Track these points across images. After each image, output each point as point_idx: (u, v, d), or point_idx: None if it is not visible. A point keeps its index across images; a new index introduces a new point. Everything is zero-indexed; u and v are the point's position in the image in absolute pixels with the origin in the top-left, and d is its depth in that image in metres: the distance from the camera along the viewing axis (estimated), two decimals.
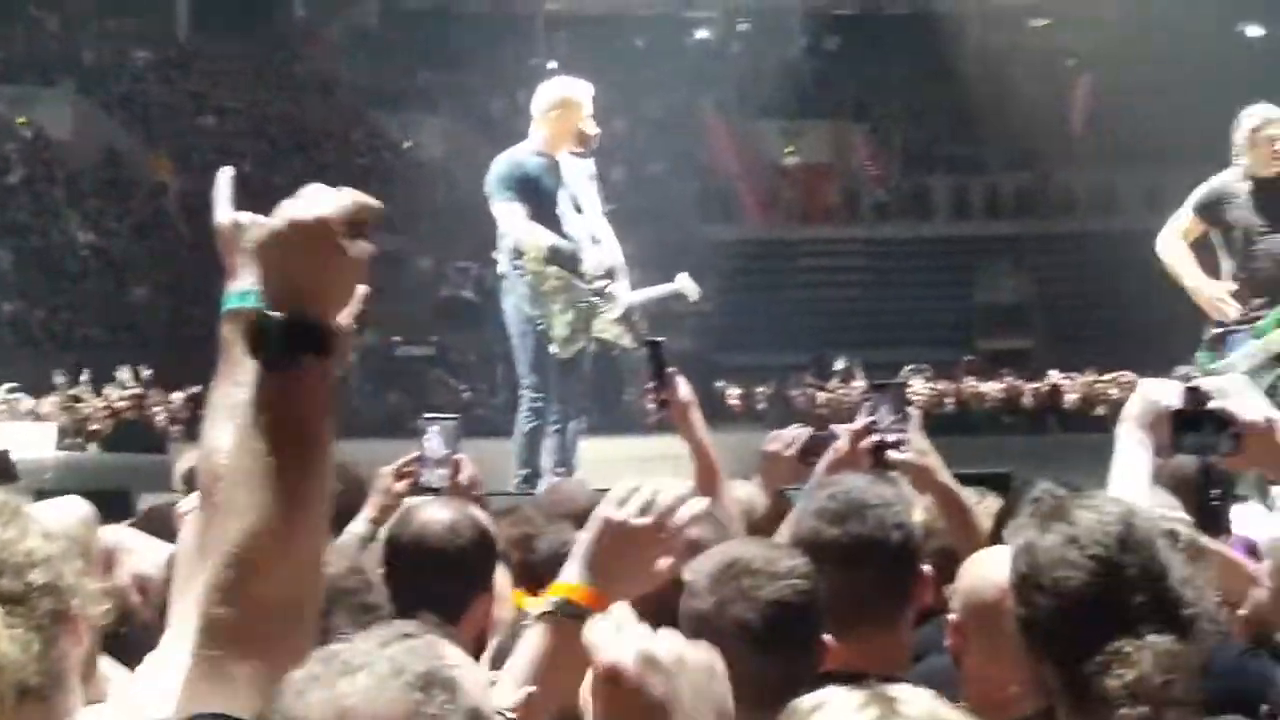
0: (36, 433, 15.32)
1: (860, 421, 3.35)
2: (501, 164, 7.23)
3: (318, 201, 1.60)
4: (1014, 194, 28.20)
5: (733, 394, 18.13)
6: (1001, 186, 28.37)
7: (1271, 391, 6.49)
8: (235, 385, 1.92)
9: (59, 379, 17.48)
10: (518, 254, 7.16)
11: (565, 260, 7.13)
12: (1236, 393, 2.62)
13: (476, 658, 2.46)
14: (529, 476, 7.10)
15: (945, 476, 3.31)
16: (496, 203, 7.18)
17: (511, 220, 7.12)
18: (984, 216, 28.13)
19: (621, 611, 1.63)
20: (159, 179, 23.11)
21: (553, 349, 7.17)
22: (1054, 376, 18.18)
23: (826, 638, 2.33)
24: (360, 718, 1.34)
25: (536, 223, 7.12)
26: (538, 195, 7.16)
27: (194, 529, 1.99)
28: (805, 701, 1.61)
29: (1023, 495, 3.17)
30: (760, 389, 18.69)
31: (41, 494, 2.68)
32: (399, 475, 3.60)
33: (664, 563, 2.04)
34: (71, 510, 2.79)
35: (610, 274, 7.34)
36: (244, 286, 2.03)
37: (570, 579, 2.03)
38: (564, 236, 7.16)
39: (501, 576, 3.16)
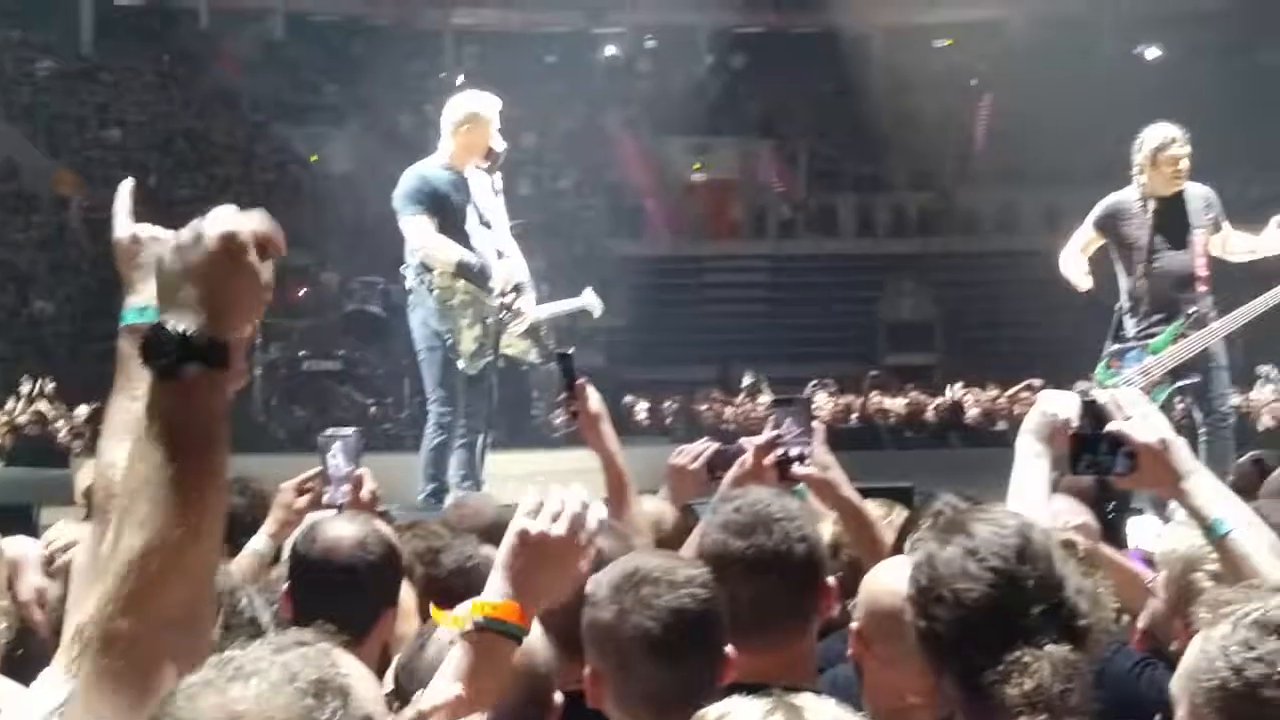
0: None
1: (765, 435, 3.39)
2: (409, 178, 7.21)
3: (231, 220, 1.60)
4: (918, 212, 28.56)
5: (640, 408, 18.16)
6: (906, 205, 28.71)
7: (1167, 406, 6.64)
8: (132, 399, 1.91)
9: None
10: (425, 269, 7.15)
11: (474, 275, 7.13)
12: (1130, 405, 2.68)
13: (381, 672, 2.44)
14: (435, 491, 7.08)
15: (848, 490, 3.36)
16: (404, 217, 7.16)
17: (420, 235, 7.10)
18: (889, 234, 28.44)
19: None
20: (62, 194, 22.72)
21: (460, 364, 7.16)
22: (956, 392, 18.41)
23: (729, 649, 2.35)
24: None
25: (444, 237, 7.11)
26: (446, 210, 7.15)
27: (89, 542, 1.97)
28: (711, 711, 1.62)
29: (925, 508, 3.21)
30: (667, 403, 18.74)
31: None
32: (300, 490, 3.57)
33: (581, 567, 2.06)
34: None
35: (518, 289, 7.35)
36: (142, 301, 2.01)
37: (493, 596, 2.04)
38: (471, 251, 7.16)
39: (405, 591, 3.15)
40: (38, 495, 6.42)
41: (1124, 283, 7.38)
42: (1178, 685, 1.66)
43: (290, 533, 3.33)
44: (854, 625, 2.62)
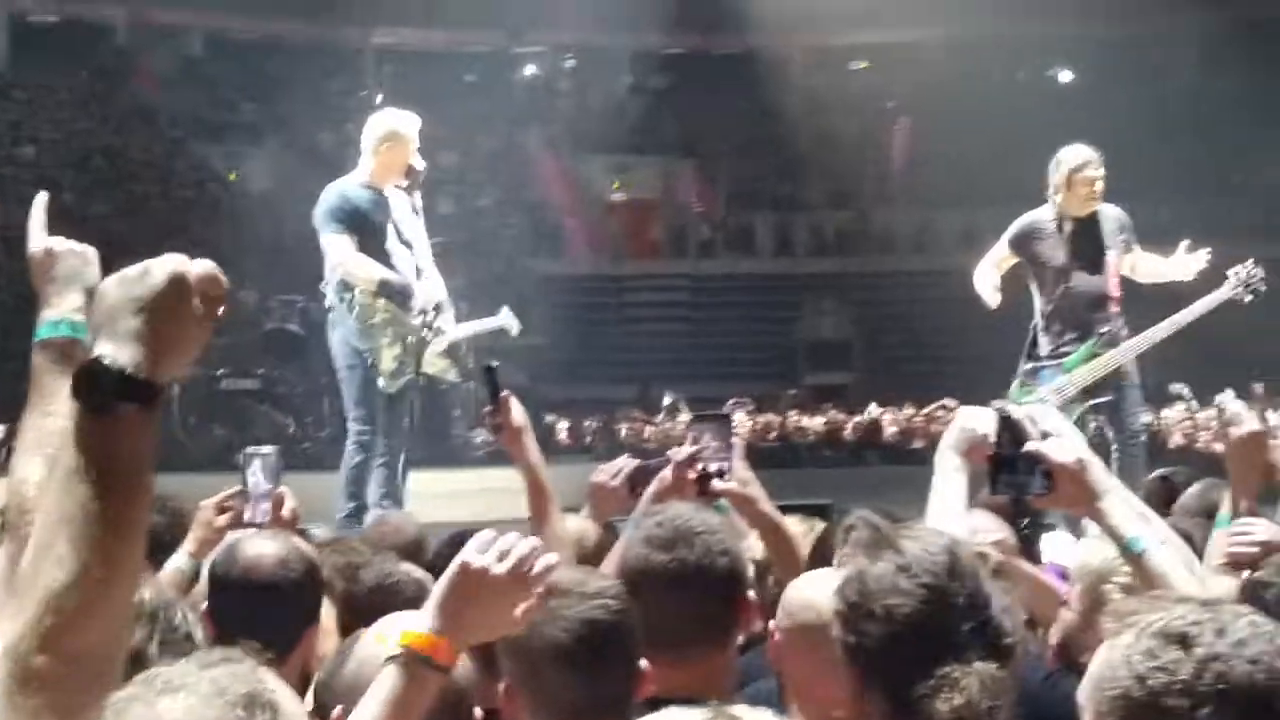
0: None
1: (685, 451, 3.41)
2: (330, 196, 7.19)
3: (181, 263, 1.60)
4: (836, 232, 28.78)
5: (561, 427, 18.15)
6: (824, 225, 28.92)
7: (1080, 425, 6.75)
8: (45, 415, 1.89)
9: None
10: (346, 287, 7.12)
11: (395, 294, 7.11)
12: (1046, 421, 2.73)
13: (303, 690, 2.43)
14: (355, 510, 7.04)
15: (767, 505, 3.39)
16: (325, 235, 7.13)
17: (341, 253, 7.07)
18: (807, 254, 28.64)
19: None
20: None
21: (380, 382, 7.13)
22: (874, 410, 18.57)
23: (644, 662, 2.36)
24: None
25: (365, 256, 7.09)
26: (366, 228, 7.13)
27: (2, 560, 1.94)
28: None
29: (839, 523, 3.24)
30: (588, 422, 18.74)
31: None
32: (220, 509, 3.54)
33: (520, 610, 2.06)
34: None
35: (438, 308, 7.34)
36: (56, 315, 2.00)
37: (421, 627, 2.04)
38: (392, 270, 7.14)
39: (325, 609, 3.13)
40: None
41: (1038, 302, 7.48)
42: (1083, 694, 1.69)
43: (210, 551, 3.31)
44: (775, 638, 2.64)
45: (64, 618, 1.48)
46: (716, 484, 3.36)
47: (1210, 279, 7.53)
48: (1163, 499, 4.77)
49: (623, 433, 18.21)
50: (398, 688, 2.02)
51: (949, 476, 2.83)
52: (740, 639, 2.76)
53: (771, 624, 2.69)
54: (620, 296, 27.17)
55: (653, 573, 2.61)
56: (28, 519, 1.67)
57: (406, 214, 7.29)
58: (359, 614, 3.04)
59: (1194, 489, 4.53)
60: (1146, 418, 8.56)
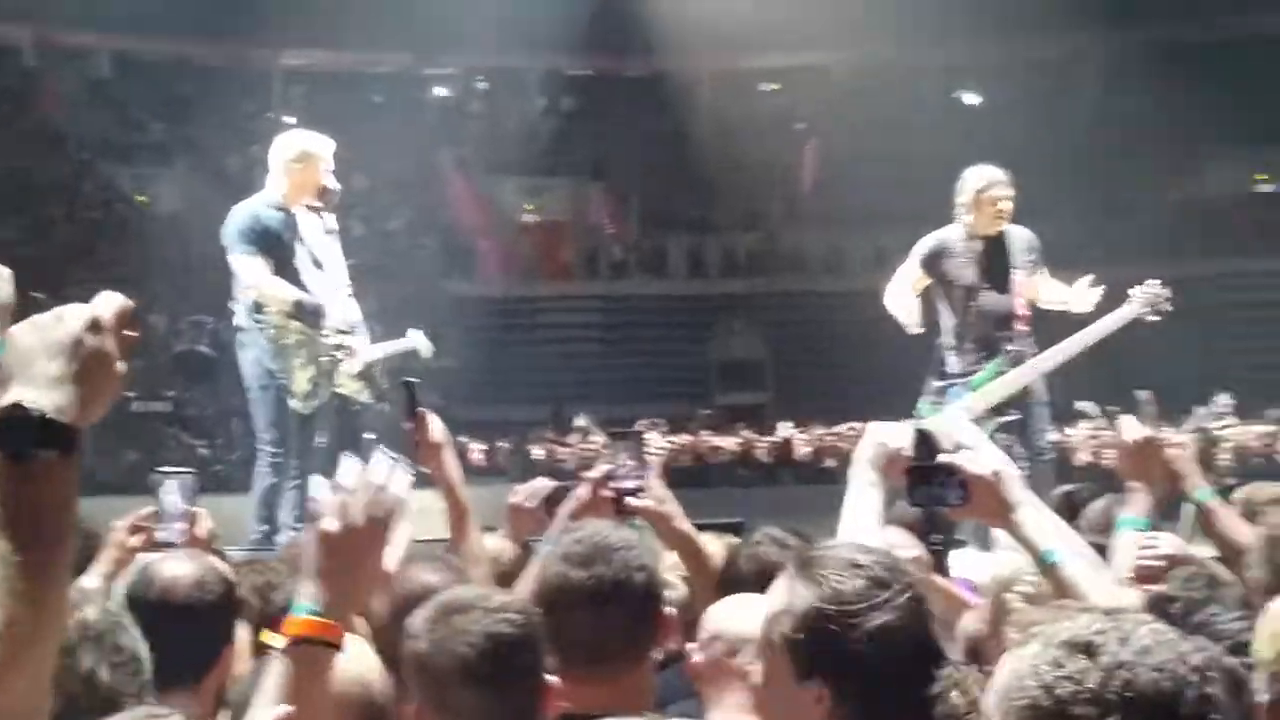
0: None
1: (600, 469, 3.43)
2: (240, 216, 7.12)
3: (96, 306, 1.58)
4: (747, 253, 28.94)
5: (475, 448, 18.07)
6: (735, 246, 29.08)
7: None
8: None
9: None
10: (258, 308, 7.05)
11: (308, 315, 7.06)
12: (959, 433, 2.77)
13: (216, 710, 2.42)
14: (268, 533, 6.97)
15: (682, 522, 3.41)
16: (235, 255, 7.07)
17: (252, 273, 7.01)
18: (719, 275, 28.78)
19: None
20: None
21: (293, 404, 7.07)
22: (786, 430, 18.67)
23: (551, 677, 2.37)
24: None
25: (277, 277, 7.04)
26: (277, 248, 7.07)
27: None
28: None
29: (747, 540, 3.28)
30: (501, 443, 18.69)
31: None
32: (133, 530, 3.50)
33: (390, 555, 2.06)
34: None
35: (351, 329, 7.29)
36: None
37: (300, 612, 2.02)
38: (304, 290, 7.09)
39: (240, 629, 3.10)
40: None
41: (946, 321, 7.58)
42: (990, 704, 1.70)
43: (123, 572, 3.26)
44: (697, 660, 2.65)
45: None
46: (632, 501, 3.37)
47: (1116, 298, 7.67)
48: (1067, 514, 4.85)
49: (537, 453, 18.17)
50: (293, 672, 2.00)
51: (863, 492, 2.86)
52: (659, 656, 2.77)
53: (689, 645, 2.70)
54: (533, 318, 27.13)
55: (570, 589, 2.61)
56: None
57: (319, 235, 7.24)
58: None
59: (1097, 505, 4.61)
60: (1054, 435, 8.68)
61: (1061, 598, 2.61)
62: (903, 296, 7.61)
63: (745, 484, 16.29)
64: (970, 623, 3.33)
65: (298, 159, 7.15)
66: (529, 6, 24.31)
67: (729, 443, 18.48)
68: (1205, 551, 3.66)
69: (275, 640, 2.04)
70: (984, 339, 7.45)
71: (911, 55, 27.78)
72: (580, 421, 19.35)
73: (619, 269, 28.71)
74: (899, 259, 7.97)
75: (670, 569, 3.28)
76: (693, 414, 21.56)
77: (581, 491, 3.41)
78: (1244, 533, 4.05)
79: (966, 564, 4.75)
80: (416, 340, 8.43)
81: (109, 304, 1.60)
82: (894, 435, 2.88)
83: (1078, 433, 15.97)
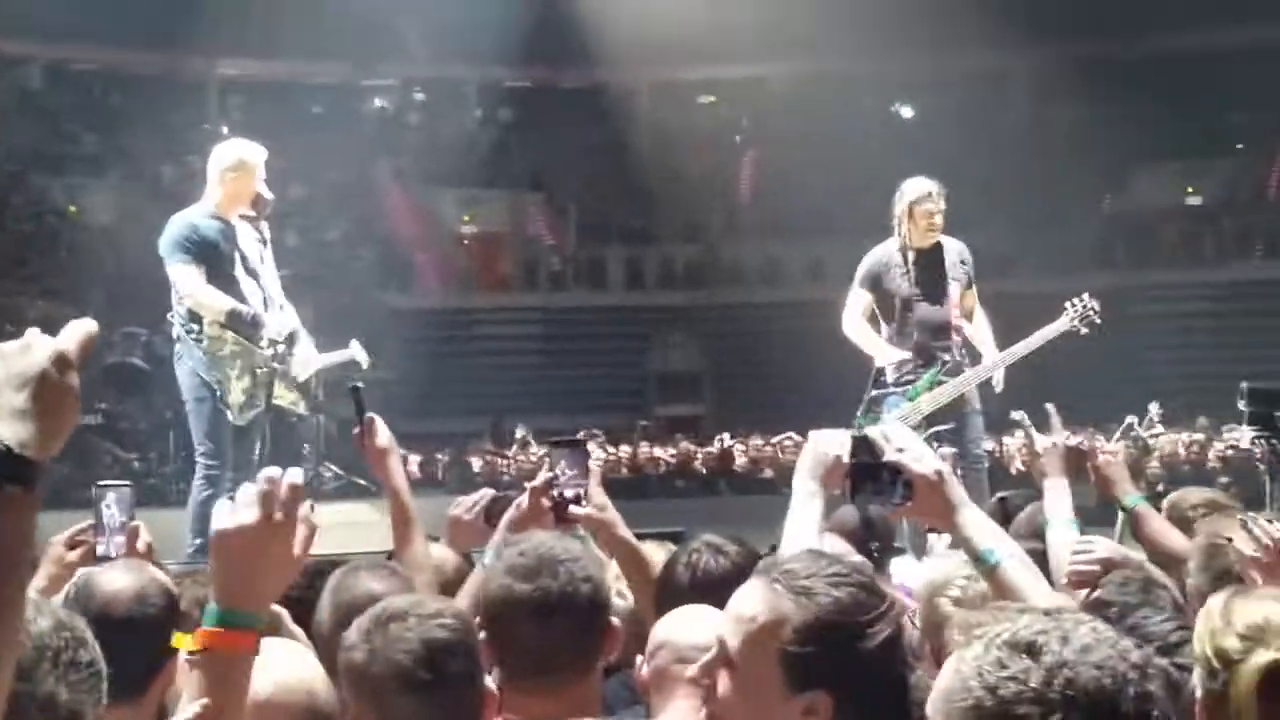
0: None
1: (541, 478, 3.43)
2: (176, 225, 7.07)
3: (61, 340, 1.56)
4: (685, 265, 29.01)
5: (413, 460, 18.00)
6: (674, 257, 29.14)
7: None
8: None
9: None
10: (194, 318, 7.00)
11: (244, 325, 7.01)
12: (898, 438, 2.81)
13: None
14: (204, 546, 6.89)
15: (624, 530, 3.42)
16: (171, 265, 7.01)
17: (189, 283, 6.96)
18: (657, 286, 28.83)
19: None
20: None
21: (230, 415, 7.02)
22: (725, 441, 18.73)
23: (489, 683, 2.37)
24: None
25: (213, 287, 6.99)
26: (214, 258, 7.02)
27: None
28: None
29: (683, 548, 3.29)
30: (440, 456, 18.62)
31: None
32: (72, 544, 3.46)
33: (298, 545, 2.04)
34: None
35: (288, 339, 7.26)
36: None
37: (209, 620, 2.01)
38: (241, 300, 7.05)
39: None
40: None
41: (884, 331, 7.64)
42: (933, 707, 1.70)
43: (62, 588, 3.22)
44: (643, 673, 2.65)
45: None
46: (573, 509, 3.37)
47: (1049, 308, 7.77)
48: (1001, 521, 4.91)
49: (475, 465, 18.12)
50: (211, 674, 1.98)
51: (804, 502, 2.89)
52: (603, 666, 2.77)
53: (639, 658, 2.70)
54: (471, 329, 27.05)
55: (516, 602, 2.60)
56: None
57: (254, 244, 7.21)
58: None
59: (1024, 512, 4.67)
60: (988, 445, 8.77)
61: (1001, 598, 2.65)
62: (863, 329, 7.59)
63: (684, 495, 16.32)
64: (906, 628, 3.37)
65: (232, 168, 7.11)
66: (467, 18, 24.27)
67: (667, 454, 18.50)
68: (1136, 557, 3.71)
69: (187, 646, 2.02)
70: (920, 349, 7.52)
71: (848, 68, 27.99)
72: (519, 432, 19.34)
73: (557, 280, 28.69)
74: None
75: (614, 579, 3.28)
76: (632, 425, 21.58)
77: (522, 501, 3.40)
78: (1173, 538, 4.13)
79: (906, 571, 4.80)
80: (355, 351, 8.41)
81: (75, 336, 1.58)
82: (833, 443, 2.90)
83: (1012, 442, 16.13)
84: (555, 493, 3.38)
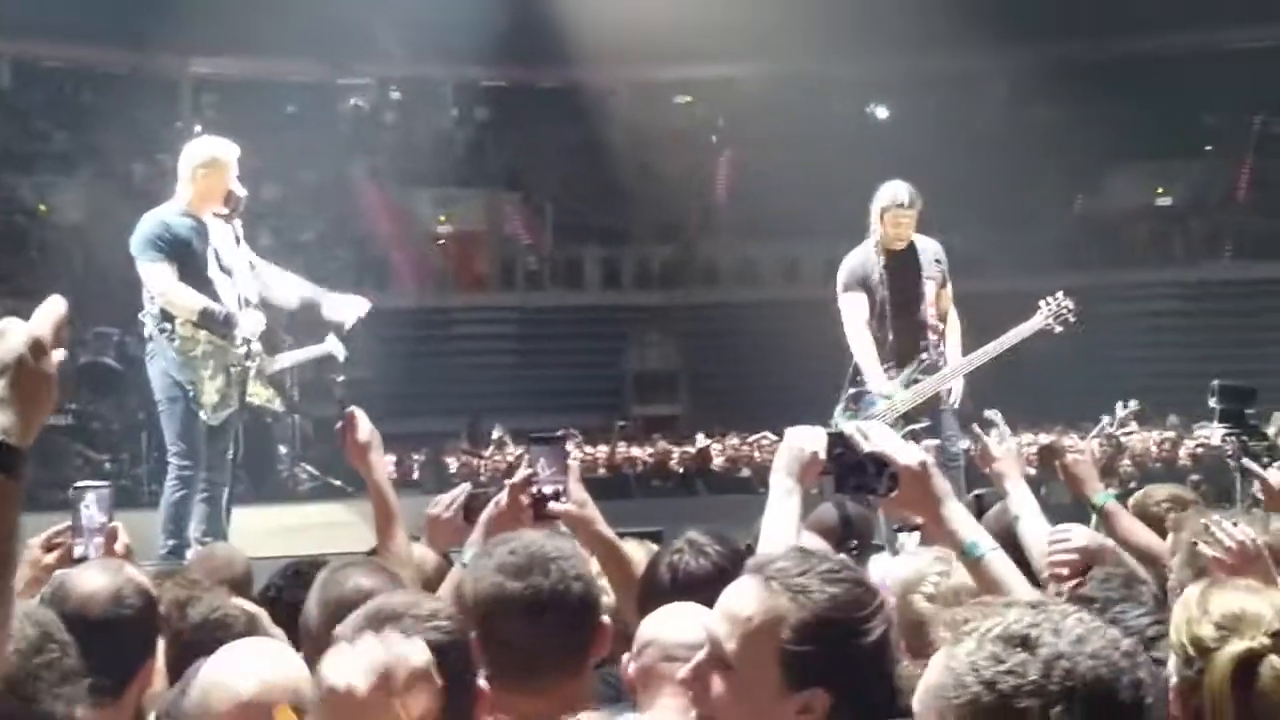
0: None
1: (520, 474, 3.41)
2: (148, 224, 7.03)
3: (34, 325, 1.56)
4: (661, 265, 29.01)
5: (389, 460, 17.94)
6: (650, 257, 29.15)
7: None
8: None
9: None
10: (166, 317, 6.96)
11: (216, 324, 6.97)
12: (875, 434, 2.82)
13: None
14: (176, 548, 6.85)
15: (604, 527, 3.41)
16: (143, 263, 6.97)
17: (161, 282, 6.92)
18: (634, 286, 28.83)
19: None
20: None
21: (203, 415, 6.98)
22: (701, 440, 18.75)
23: (481, 683, 2.36)
24: None
25: (186, 285, 6.95)
26: (186, 256, 6.98)
27: None
28: None
29: (668, 545, 3.29)
30: (416, 456, 18.57)
31: None
32: (48, 546, 3.43)
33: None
34: None
35: (262, 338, 7.23)
36: None
37: None
38: (214, 299, 7.01)
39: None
40: None
41: None
42: (922, 704, 1.70)
43: (38, 590, 3.19)
44: (631, 668, 2.64)
45: None
46: (553, 506, 3.36)
47: (1021, 307, 7.80)
48: (976, 517, 4.93)
49: (452, 465, 18.08)
50: None
51: (782, 499, 2.89)
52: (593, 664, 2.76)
53: (625, 656, 2.69)
54: (448, 329, 27.00)
55: (507, 600, 2.58)
56: None
57: (228, 242, 7.17)
58: (189, 648, 2.96)
59: (991, 511, 4.70)
60: (964, 443, 8.79)
61: (985, 591, 2.66)
62: (867, 347, 7.52)
63: (661, 494, 16.31)
64: None
65: (204, 165, 7.07)
66: (443, 17, 24.21)
67: (644, 453, 18.50)
68: (1111, 543, 3.73)
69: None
70: (896, 348, 7.54)
71: (823, 69, 28.04)
72: (496, 432, 19.31)
73: (534, 280, 28.65)
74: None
75: (594, 576, 3.27)
76: (609, 425, 21.58)
77: (501, 498, 3.39)
78: (1143, 534, 4.17)
79: (881, 569, 4.80)
80: (331, 345, 8.39)
81: (48, 318, 1.58)
82: (809, 440, 2.91)
83: (967, 444, 16.14)
84: (534, 489, 3.37)
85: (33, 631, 1.98)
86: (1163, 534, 4.16)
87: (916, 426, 7.32)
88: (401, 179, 27.92)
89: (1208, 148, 28.95)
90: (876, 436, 2.81)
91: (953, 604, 2.88)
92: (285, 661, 2.44)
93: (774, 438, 15.79)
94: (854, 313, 7.55)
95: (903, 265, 7.61)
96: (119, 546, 3.41)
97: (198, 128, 21.23)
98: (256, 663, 2.34)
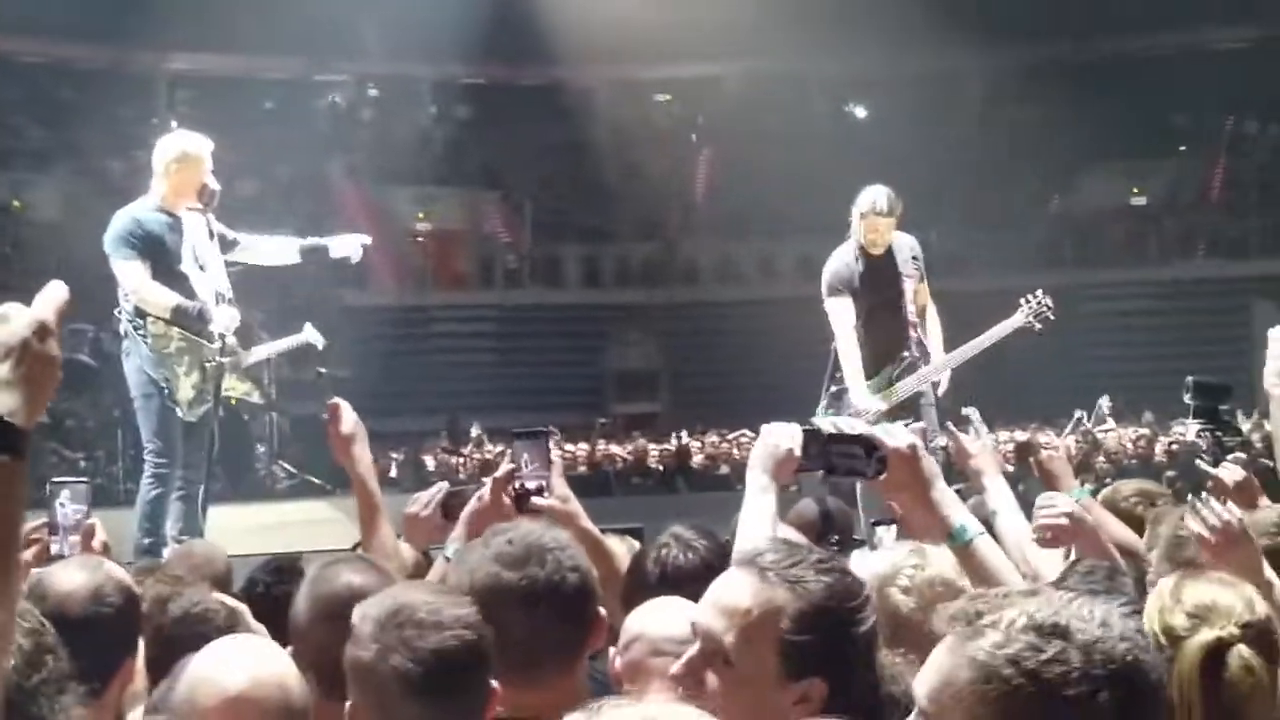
0: None
1: (503, 469, 3.41)
2: (121, 220, 7.00)
3: (38, 309, 1.57)
4: (642, 263, 29.00)
5: None
6: (630, 255, 29.13)
7: None
8: None
9: None
10: (139, 314, 6.92)
11: (190, 320, 6.94)
12: (852, 430, 2.82)
13: None
14: (152, 546, 6.82)
15: (586, 522, 3.41)
16: (116, 261, 6.94)
17: (133, 279, 6.89)
18: (614, 284, 28.82)
19: None
20: None
21: (179, 412, 6.95)
22: (681, 438, 18.76)
23: (494, 683, 2.35)
24: None
25: (159, 280, 6.91)
26: (160, 252, 6.95)
27: None
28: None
29: (654, 539, 3.30)
30: (395, 454, 18.52)
31: None
32: (26, 543, 3.41)
33: None
34: None
35: (238, 332, 7.20)
36: None
37: None
38: (189, 294, 6.97)
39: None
40: None
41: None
42: (938, 699, 1.68)
43: None
44: (617, 665, 2.64)
45: None
46: (536, 501, 3.36)
47: (997, 305, 7.84)
48: None
49: (431, 463, 18.05)
50: None
51: (758, 495, 2.90)
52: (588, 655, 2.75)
53: (611, 650, 2.68)
54: (427, 327, 26.94)
55: (503, 591, 2.56)
56: None
57: (203, 237, 7.13)
58: (169, 643, 2.94)
59: (968, 505, 4.74)
60: (943, 440, 8.80)
61: (973, 575, 2.68)
62: (854, 355, 7.49)
63: (641, 491, 16.32)
64: None
65: (176, 160, 7.03)
66: (423, 14, 24.16)
67: (624, 451, 18.51)
68: (1090, 521, 3.76)
69: None
70: (880, 348, 7.57)
71: (802, 68, 28.09)
72: (475, 431, 19.28)
73: (513, 278, 28.59)
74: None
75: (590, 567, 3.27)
76: (589, 423, 21.57)
77: (484, 493, 3.39)
78: (1115, 529, 4.20)
79: (863, 563, 4.81)
80: (309, 334, 8.38)
81: (51, 302, 1.59)
82: (785, 436, 2.92)
83: (942, 442, 16.17)
84: (517, 484, 3.36)
85: (26, 643, 1.96)
86: (1133, 528, 4.21)
87: (898, 423, 7.32)
88: (380, 177, 27.83)
89: (1181, 148, 29.09)
90: (851, 430, 2.82)
91: (928, 596, 2.90)
92: (273, 658, 2.43)
93: (753, 435, 15.72)
94: (841, 319, 7.55)
95: (882, 266, 7.65)
96: (96, 543, 3.39)
97: (174, 124, 21.11)
98: (245, 659, 2.33)
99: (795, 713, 2.12)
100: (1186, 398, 7.10)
